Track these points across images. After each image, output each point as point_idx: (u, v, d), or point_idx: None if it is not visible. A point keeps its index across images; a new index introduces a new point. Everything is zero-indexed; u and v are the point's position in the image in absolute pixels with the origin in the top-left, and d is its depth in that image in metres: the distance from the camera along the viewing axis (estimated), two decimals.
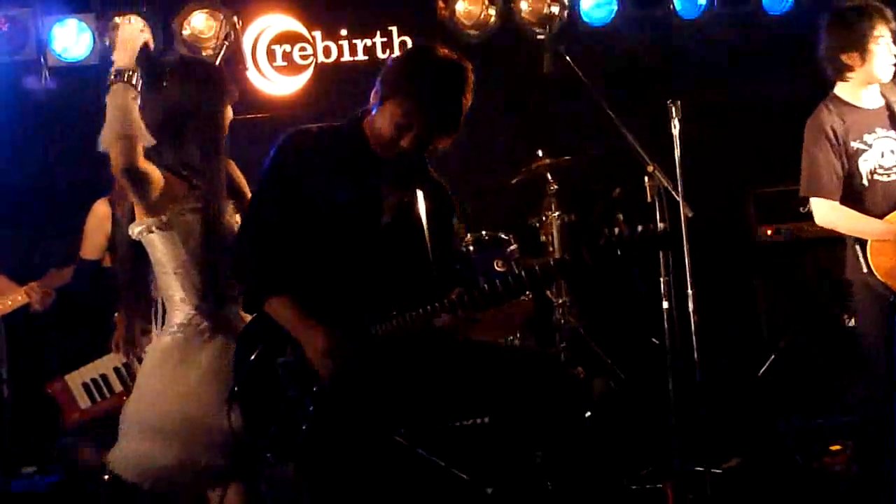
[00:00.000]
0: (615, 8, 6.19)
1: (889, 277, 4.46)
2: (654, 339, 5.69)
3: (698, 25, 6.25)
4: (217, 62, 4.96)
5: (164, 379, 3.69)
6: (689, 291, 4.77)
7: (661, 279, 4.87)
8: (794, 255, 5.93)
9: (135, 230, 3.72)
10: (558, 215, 5.60)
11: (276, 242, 3.51)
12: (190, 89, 3.72)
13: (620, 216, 5.70)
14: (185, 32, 5.78)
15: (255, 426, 3.50)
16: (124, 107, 3.53)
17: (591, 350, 5.83)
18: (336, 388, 3.43)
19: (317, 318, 3.46)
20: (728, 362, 5.74)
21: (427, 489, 4.84)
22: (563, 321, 5.56)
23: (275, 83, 6.28)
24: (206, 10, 5.71)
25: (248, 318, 3.70)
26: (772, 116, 6.44)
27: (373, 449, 3.62)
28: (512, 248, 5.39)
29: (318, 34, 6.32)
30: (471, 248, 5.29)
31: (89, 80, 5.99)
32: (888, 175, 4.56)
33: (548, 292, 5.61)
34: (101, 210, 5.17)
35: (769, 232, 5.92)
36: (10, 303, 5.18)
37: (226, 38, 5.34)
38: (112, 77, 3.56)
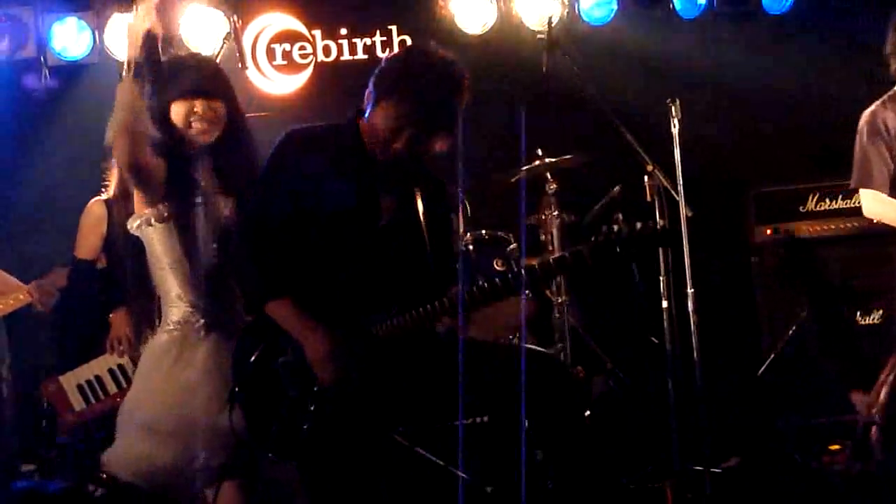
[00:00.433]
0: (615, 7, 6.19)
1: None
2: (653, 339, 5.68)
3: (698, 25, 6.25)
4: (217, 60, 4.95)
5: (160, 378, 3.69)
6: (689, 291, 4.78)
7: (661, 279, 4.87)
8: (795, 254, 5.92)
9: (133, 224, 3.71)
10: (557, 214, 5.59)
11: (276, 243, 3.51)
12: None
13: (620, 215, 5.72)
14: (184, 31, 5.79)
15: (256, 426, 3.50)
16: (130, 101, 3.51)
17: (590, 349, 5.82)
18: (337, 390, 3.43)
19: (317, 319, 3.46)
20: (727, 362, 5.74)
21: (427, 489, 4.84)
22: (562, 321, 5.55)
23: (274, 82, 6.27)
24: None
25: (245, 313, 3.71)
26: (772, 116, 6.44)
27: (373, 448, 3.62)
28: (512, 247, 5.38)
29: (317, 33, 6.31)
30: (471, 247, 5.29)
31: (89, 78, 6.00)
32: None
33: (547, 292, 5.60)
34: (95, 210, 5.16)
35: (768, 232, 5.92)
36: (11, 302, 5.17)
37: (225, 36, 5.33)
38: (122, 70, 3.55)
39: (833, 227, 5.87)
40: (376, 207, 3.58)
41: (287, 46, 6.23)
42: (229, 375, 3.59)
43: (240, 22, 5.43)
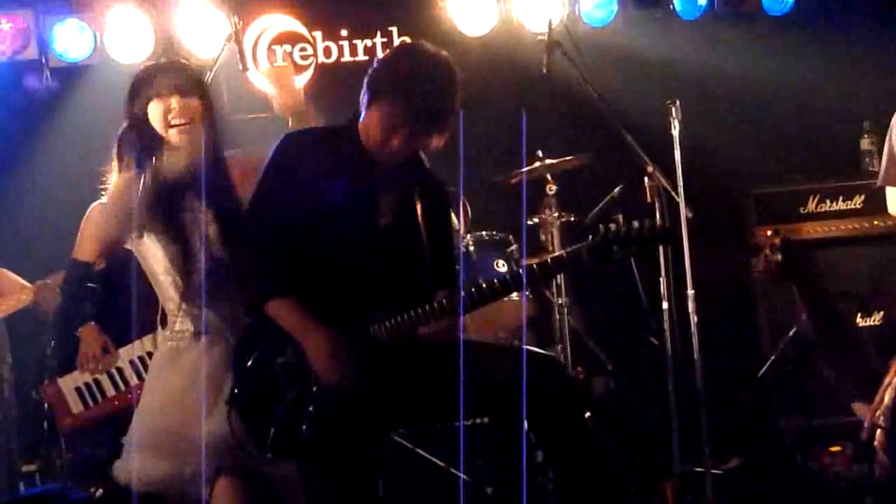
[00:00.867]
0: (616, 9, 6.19)
1: None
2: (653, 340, 5.69)
3: (698, 26, 6.25)
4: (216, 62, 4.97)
5: (154, 390, 3.76)
6: (689, 292, 4.78)
7: (661, 279, 4.87)
8: (795, 255, 5.92)
9: (127, 238, 3.77)
10: (558, 215, 5.60)
11: (276, 244, 3.51)
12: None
13: (620, 217, 5.72)
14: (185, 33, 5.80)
15: (255, 426, 3.51)
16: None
17: (590, 350, 5.83)
18: (336, 390, 3.43)
19: (316, 320, 3.47)
20: (728, 363, 5.75)
21: (427, 489, 4.85)
22: (562, 322, 5.56)
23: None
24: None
25: (237, 318, 3.73)
26: (772, 117, 6.45)
27: (372, 449, 3.63)
28: (512, 247, 5.39)
29: (318, 34, 6.31)
30: (471, 247, 5.29)
31: (90, 79, 6.01)
32: None
33: (547, 292, 5.61)
34: (96, 214, 5.16)
35: (768, 233, 5.92)
36: (13, 302, 5.17)
37: (226, 38, 5.33)
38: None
39: (833, 228, 5.87)
40: (375, 208, 3.58)
41: (288, 48, 6.23)
42: (223, 381, 3.61)
43: (241, 23, 5.43)
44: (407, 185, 3.63)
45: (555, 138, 5.93)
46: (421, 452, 4.81)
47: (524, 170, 5.54)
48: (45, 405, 5.16)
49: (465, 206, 5.56)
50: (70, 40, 5.91)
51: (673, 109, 4.79)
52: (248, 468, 3.69)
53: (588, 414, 5.00)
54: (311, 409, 3.43)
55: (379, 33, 6.32)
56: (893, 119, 4.69)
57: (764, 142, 6.40)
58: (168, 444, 3.64)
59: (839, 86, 6.29)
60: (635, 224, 3.38)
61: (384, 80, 3.51)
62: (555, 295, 5.55)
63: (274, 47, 6.19)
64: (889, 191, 4.71)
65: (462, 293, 3.43)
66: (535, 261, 3.47)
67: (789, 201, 5.92)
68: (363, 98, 3.55)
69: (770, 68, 6.36)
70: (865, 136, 6.11)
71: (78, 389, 4.94)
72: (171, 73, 3.79)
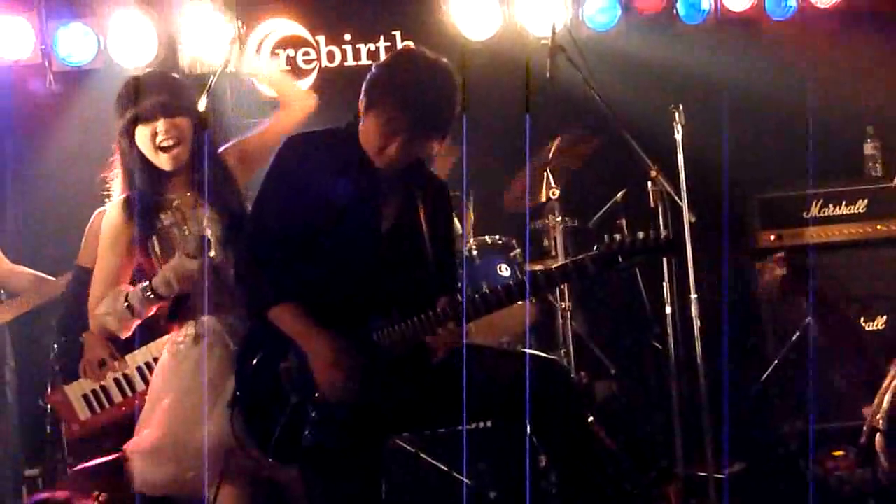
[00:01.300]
0: (619, 13, 6.19)
1: None
2: (657, 344, 5.68)
3: (702, 31, 6.25)
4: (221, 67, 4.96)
5: (157, 395, 3.81)
6: (693, 296, 4.78)
7: (665, 284, 4.87)
8: (798, 260, 5.92)
9: None
10: (561, 220, 5.60)
11: (279, 249, 3.51)
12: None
13: (623, 221, 5.72)
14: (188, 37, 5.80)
15: (258, 431, 3.51)
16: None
17: (593, 355, 5.82)
18: (339, 396, 3.43)
19: (319, 327, 3.47)
20: (731, 367, 5.74)
21: (431, 494, 4.85)
22: (565, 326, 5.55)
23: None
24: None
25: (237, 323, 3.74)
26: (775, 122, 6.44)
27: (374, 454, 3.62)
28: (515, 252, 5.38)
29: (321, 39, 6.32)
30: (474, 251, 5.29)
31: (93, 83, 6.01)
32: None
33: (550, 297, 5.60)
34: (98, 222, 5.17)
35: (772, 237, 5.92)
36: (28, 300, 5.19)
37: (230, 41, 5.33)
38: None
39: (837, 232, 5.87)
40: (378, 213, 3.58)
41: (291, 52, 6.23)
42: (223, 385, 3.62)
43: (244, 27, 5.43)
44: (409, 189, 3.63)
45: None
46: (424, 457, 4.81)
47: (526, 173, 5.54)
48: (49, 412, 5.15)
49: (468, 210, 5.56)
50: (73, 44, 5.91)
51: (676, 114, 4.80)
52: (253, 474, 3.69)
53: (591, 418, 5.00)
54: (313, 414, 3.42)
55: (382, 38, 6.33)
56: None
57: (767, 146, 6.39)
58: (171, 448, 3.66)
59: (842, 90, 6.28)
60: (640, 235, 3.40)
61: (380, 88, 3.50)
62: (558, 299, 5.55)
63: (277, 51, 6.19)
64: None
65: (464, 299, 3.43)
66: (539, 268, 3.48)
67: (793, 206, 5.92)
68: (361, 103, 3.54)
69: (773, 72, 6.36)
70: (869, 140, 6.11)
71: (85, 396, 4.92)
72: (154, 92, 3.76)
